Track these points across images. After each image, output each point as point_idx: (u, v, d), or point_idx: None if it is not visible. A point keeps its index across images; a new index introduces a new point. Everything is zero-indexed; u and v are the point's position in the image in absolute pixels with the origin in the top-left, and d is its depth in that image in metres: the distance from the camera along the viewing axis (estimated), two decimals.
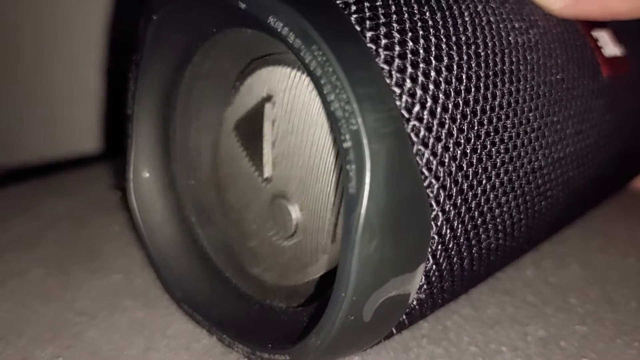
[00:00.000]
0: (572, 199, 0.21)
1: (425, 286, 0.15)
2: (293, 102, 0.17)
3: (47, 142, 0.45)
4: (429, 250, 0.15)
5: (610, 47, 0.22)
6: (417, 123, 0.14)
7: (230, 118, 0.19)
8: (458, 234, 0.15)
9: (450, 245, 0.15)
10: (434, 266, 0.15)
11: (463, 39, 0.16)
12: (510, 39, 0.17)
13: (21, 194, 0.32)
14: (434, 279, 0.15)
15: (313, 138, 0.16)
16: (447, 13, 0.16)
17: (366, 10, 0.14)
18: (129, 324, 0.20)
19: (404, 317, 0.16)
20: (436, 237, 0.15)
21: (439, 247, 0.15)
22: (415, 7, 0.15)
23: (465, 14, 0.16)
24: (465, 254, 0.16)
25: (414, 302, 0.16)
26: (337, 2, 0.14)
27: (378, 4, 0.15)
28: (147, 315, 0.20)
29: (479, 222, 0.16)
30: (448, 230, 0.15)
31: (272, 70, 0.17)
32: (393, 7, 0.15)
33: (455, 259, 0.16)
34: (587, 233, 0.27)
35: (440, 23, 0.15)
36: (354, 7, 0.14)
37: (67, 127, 0.44)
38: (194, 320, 0.19)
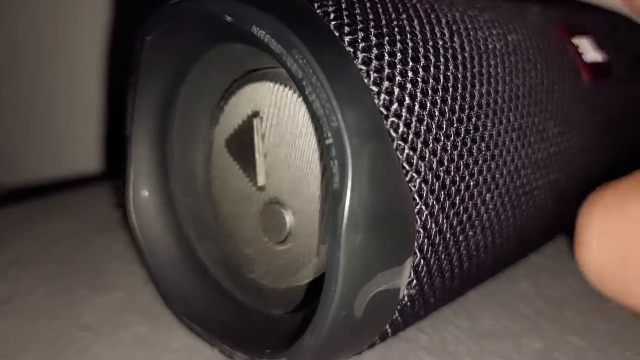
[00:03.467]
0: (562, 201, 0.21)
1: (414, 282, 0.16)
2: (279, 115, 0.17)
3: (50, 162, 0.45)
4: (416, 244, 0.15)
5: (591, 53, 0.23)
6: (395, 119, 0.15)
7: (219, 136, 0.20)
8: (444, 229, 0.16)
9: (437, 240, 0.16)
10: (421, 261, 0.16)
11: (440, 43, 0.16)
12: (488, 44, 0.18)
13: (25, 213, 0.32)
14: (422, 274, 0.16)
15: (302, 147, 0.17)
16: (424, 20, 0.17)
17: (345, 17, 0.15)
18: (132, 339, 0.20)
19: (397, 314, 0.16)
20: (422, 230, 0.15)
21: (425, 241, 0.15)
22: (393, 15, 0.16)
23: (443, 21, 0.17)
24: (452, 250, 0.16)
25: (405, 298, 0.16)
26: (317, 11, 0.15)
27: (356, 12, 0.15)
28: (149, 331, 0.20)
29: (464, 217, 0.16)
30: (433, 225, 0.15)
31: (256, 87, 0.18)
32: (371, 15, 0.16)
33: (442, 254, 0.16)
34: None
35: (418, 29, 0.16)
36: (332, 15, 0.15)
37: (70, 147, 0.45)
38: (195, 333, 0.19)
